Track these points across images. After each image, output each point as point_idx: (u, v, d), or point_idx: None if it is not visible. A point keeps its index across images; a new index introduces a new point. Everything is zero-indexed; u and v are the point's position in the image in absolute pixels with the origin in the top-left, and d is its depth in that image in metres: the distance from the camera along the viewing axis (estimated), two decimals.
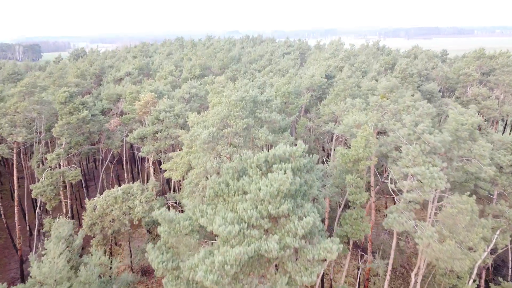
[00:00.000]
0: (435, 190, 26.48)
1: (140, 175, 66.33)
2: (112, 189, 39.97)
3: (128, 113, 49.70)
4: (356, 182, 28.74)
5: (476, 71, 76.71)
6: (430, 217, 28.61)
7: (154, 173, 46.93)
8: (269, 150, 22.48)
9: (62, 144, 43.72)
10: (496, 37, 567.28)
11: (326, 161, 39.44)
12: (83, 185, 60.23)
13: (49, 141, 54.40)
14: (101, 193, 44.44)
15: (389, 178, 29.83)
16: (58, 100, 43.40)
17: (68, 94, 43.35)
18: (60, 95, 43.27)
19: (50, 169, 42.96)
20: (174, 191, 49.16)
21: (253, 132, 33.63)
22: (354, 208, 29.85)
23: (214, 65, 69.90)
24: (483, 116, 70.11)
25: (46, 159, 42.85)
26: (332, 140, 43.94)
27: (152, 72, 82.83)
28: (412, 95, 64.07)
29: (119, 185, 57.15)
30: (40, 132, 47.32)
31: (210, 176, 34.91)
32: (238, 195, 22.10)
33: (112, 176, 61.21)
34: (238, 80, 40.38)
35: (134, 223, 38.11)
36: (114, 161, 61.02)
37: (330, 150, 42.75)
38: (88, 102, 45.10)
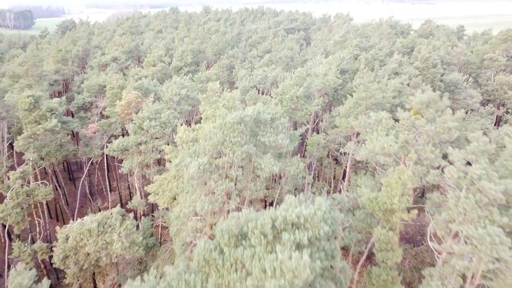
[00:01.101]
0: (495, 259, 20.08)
1: (119, 189, 59.91)
2: (86, 216, 33.68)
3: (109, 118, 42.47)
4: (387, 237, 22.27)
5: (503, 56, 68.65)
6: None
7: (140, 187, 40.56)
8: (277, 208, 16.36)
9: (30, 159, 36.97)
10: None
11: (341, 184, 32.86)
12: (63, 194, 53.91)
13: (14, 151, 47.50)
14: (80, 212, 38.21)
15: (429, 230, 23.32)
16: (21, 107, 36.20)
17: (32, 99, 36.03)
18: (22, 100, 35.99)
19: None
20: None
21: (255, 160, 26.81)
22: (382, 266, 23.56)
23: (209, 51, 61.79)
24: (505, 108, 62.96)
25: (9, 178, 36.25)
26: (347, 153, 37.17)
27: (142, 54, 74.62)
28: (434, 90, 56.70)
29: (103, 198, 51.16)
30: (2, 140, 40.46)
31: (200, 215, 28.54)
32: (236, 271, 16.31)
33: (93, 189, 54.54)
34: (235, 91, 33.35)
35: (113, 260, 32.05)
36: (97, 170, 54.42)
37: (346, 167, 36.04)
38: (58, 108, 37.80)
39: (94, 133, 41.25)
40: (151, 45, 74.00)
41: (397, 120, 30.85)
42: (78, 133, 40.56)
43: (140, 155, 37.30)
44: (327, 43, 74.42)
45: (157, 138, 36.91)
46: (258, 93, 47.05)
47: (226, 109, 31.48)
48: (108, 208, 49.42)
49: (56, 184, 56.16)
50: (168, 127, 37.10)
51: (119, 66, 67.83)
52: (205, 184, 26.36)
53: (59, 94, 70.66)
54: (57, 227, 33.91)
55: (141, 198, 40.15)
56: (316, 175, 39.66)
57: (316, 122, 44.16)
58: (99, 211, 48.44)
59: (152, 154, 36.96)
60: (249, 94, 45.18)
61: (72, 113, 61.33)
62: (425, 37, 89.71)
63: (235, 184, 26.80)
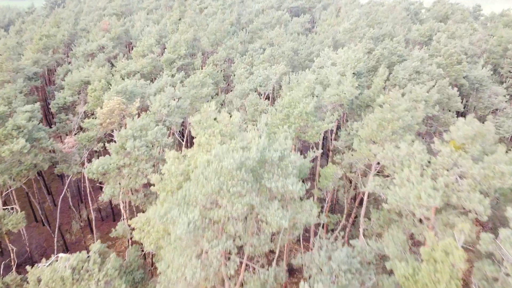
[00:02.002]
0: None
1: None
2: (60, 255, 28.81)
3: (87, 131, 36.80)
4: None
5: None
6: None
7: (126, 209, 35.54)
8: None
9: None
10: None
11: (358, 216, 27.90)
12: (48, 194, 49.05)
13: None
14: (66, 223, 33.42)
15: None
16: None
17: None
18: None
19: None
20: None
21: (259, 211, 21.58)
22: None
23: (205, 41, 55.22)
24: None
25: None
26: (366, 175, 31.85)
27: (133, 40, 67.81)
28: (457, 87, 50.76)
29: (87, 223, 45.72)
30: None
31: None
32: None
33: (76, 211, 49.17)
34: (233, 115, 27.66)
35: None
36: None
37: (364, 195, 30.77)
38: (27, 126, 32.09)
39: (71, 148, 35.77)
40: (143, 30, 67.10)
41: (431, 152, 25.45)
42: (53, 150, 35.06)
43: (124, 179, 32.01)
44: (335, 28, 67.57)
45: (143, 160, 31.52)
46: (260, 97, 41.26)
47: (223, 137, 26.04)
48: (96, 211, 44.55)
49: (43, 186, 51.44)
50: (155, 147, 31.66)
51: (106, 55, 61.39)
52: (197, 244, 21.26)
53: (38, 91, 64.50)
54: (28, 267, 29.11)
55: (128, 223, 35.17)
56: (329, 201, 34.50)
57: (328, 139, 38.57)
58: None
59: (138, 179, 31.68)
60: (249, 99, 39.44)
61: (52, 115, 55.53)
62: (441, 20, 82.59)
63: (234, 240, 21.70)
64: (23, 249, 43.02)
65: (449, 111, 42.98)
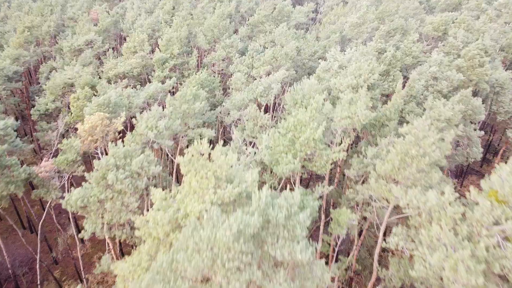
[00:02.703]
0: None
1: None
2: None
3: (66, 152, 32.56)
4: None
5: None
6: None
7: (112, 245, 31.94)
8: None
9: None
10: None
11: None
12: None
13: None
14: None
15: None
16: None
17: None
18: None
19: None
20: None
21: (261, 284, 17.82)
22: None
23: (201, 38, 50.21)
24: None
25: None
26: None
27: (124, 32, 62.64)
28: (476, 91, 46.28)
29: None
30: None
31: None
32: None
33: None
34: (230, 149, 23.70)
35: None
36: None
37: (384, 239, 26.91)
38: None
39: (48, 172, 31.73)
40: (134, 23, 61.84)
41: (465, 203, 21.51)
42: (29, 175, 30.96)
43: (107, 213, 28.17)
44: (342, 20, 62.41)
45: (127, 193, 27.56)
46: (260, 107, 36.98)
47: (217, 180, 22.02)
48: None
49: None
50: (141, 178, 27.66)
51: (95, 51, 56.49)
52: None
53: (21, 91, 59.78)
54: None
55: (114, 258, 31.64)
56: (339, 246, 30.63)
57: (337, 166, 34.47)
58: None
59: (122, 214, 27.85)
60: (248, 112, 35.17)
61: (33, 122, 51.23)
62: (454, 8, 77.01)
63: None
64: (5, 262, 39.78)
65: (471, 123, 38.82)
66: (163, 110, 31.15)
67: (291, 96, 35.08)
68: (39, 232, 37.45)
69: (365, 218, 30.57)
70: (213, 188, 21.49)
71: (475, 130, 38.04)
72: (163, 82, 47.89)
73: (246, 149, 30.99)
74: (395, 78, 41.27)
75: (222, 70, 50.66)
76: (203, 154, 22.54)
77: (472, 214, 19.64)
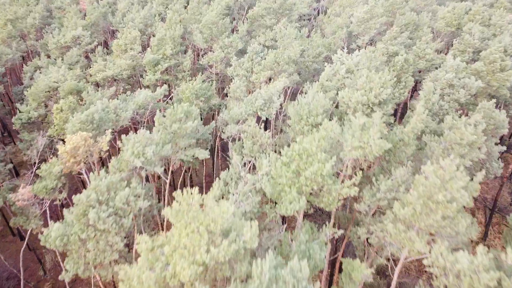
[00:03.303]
0: None
1: None
2: None
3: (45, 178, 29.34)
4: None
5: None
6: None
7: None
8: None
9: None
10: None
11: None
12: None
13: None
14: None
15: None
16: None
17: None
18: None
19: None
20: None
21: None
22: None
23: (198, 37, 46.11)
24: None
25: None
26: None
27: (115, 26, 58.35)
28: (498, 106, 42.68)
29: None
30: None
31: None
32: None
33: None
34: (228, 197, 20.43)
35: None
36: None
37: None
38: None
39: (26, 201, 28.67)
40: (125, 16, 57.49)
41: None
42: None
43: (89, 252, 25.28)
44: (348, 12, 58.10)
45: (111, 232, 24.57)
46: (259, 125, 33.66)
47: (211, 234, 18.99)
48: None
49: None
50: (127, 215, 24.62)
51: (83, 48, 52.50)
52: None
53: (3, 94, 56.11)
54: None
55: None
56: None
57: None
58: None
59: (106, 254, 24.94)
60: (247, 129, 31.88)
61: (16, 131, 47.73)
62: None
63: None
64: None
65: (492, 136, 35.49)
66: (151, 130, 27.72)
67: (296, 111, 31.66)
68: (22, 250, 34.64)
69: (380, 273, 27.67)
70: (206, 245, 18.48)
71: (496, 144, 34.80)
72: (155, 86, 44.39)
73: (245, 175, 27.86)
74: (406, 85, 37.72)
75: (220, 72, 46.97)
76: (195, 203, 19.44)
77: (510, 283, 16.70)
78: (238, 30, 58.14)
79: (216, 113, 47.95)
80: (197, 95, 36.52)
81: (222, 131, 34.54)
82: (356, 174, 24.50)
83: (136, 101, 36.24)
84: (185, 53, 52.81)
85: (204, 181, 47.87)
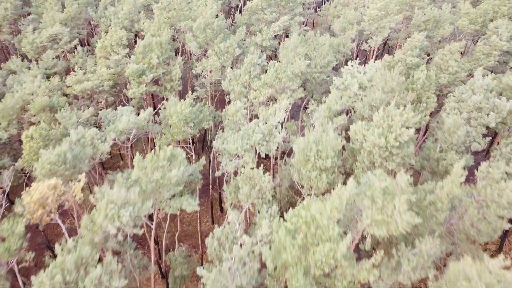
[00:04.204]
0: None
1: None
2: None
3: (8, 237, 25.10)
4: None
5: None
6: None
7: None
8: None
9: None
10: None
11: None
12: None
13: None
14: None
15: None
16: None
17: None
18: None
19: None
20: None
21: None
22: None
23: (191, 42, 40.23)
24: None
25: None
26: None
27: (96, 20, 52.23)
28: None
29: None
30: None
31: None
32: None
33: None
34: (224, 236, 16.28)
35: None
36: None
37: None
38: None
39: None
40: (107, 8, 51.13)
41: None
42: None
43: None
44: (358, 3, 51.92)
45: None
46: (258, 160, 29.14)
47: None
48: None
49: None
50: None
51: (61, 48, 46.85)
52: None
53: None
54: None
55: None
56: None
57: None
58: None
59: None
60: (244, 170, 27.40)
61: None
62: None
63: None
64: None
65: None
66: (131, 163, 23.19)
67: (302, 150, 26.99)
68: None
69: None
70: None
71: None
72: (139, 108, 39.46)
73: (242, 236, 23.74)
74: (428, 106, 32.81)
75: (215, 81, 41.78)
76: None
77: None
78: (234, 24, 52.30)
79: (211, 127, 43.24)
80: (186, 120, 31.73)
81: (216, 167, 30.05)
82: (375, 250, 20.31)
83: (116, 128, 31.49)
84: (175, 55, 47.37)
85: (199, 228, 42.34)
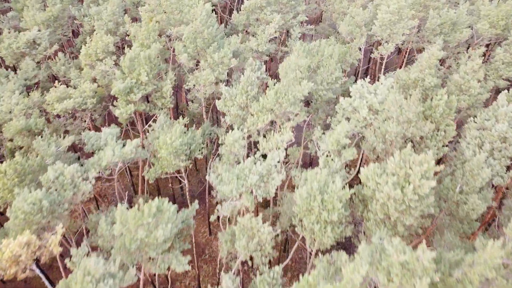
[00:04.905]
0: None
1: None
2: None
3: None
4: None
5: None
6: None
7: None
8: None
9: None
10: None
11: None
12: None
13: None
14: None
15: None
16: None
17: None
18: None
19: None
20: None
21: None
22: None
23: (181, 53, 36.10)
24: None
25: None
26: None
27: (79, 19, 47.77)
28: None
29: None
30: None
31: None
32: None
33: None
34: None
35: None
36: None
37: None
38: None
39: None
40: (89, 7, 46.62)
41: None
42: None
43: None
44: (369, 10, 47.25)
45: None
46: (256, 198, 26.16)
47: None
48: None
49: None
50: None
51: (41, 54, 42.86)
52: None
53: None
54: None
55: None
56: None
57: None
58: None
59: None
60: (242, 220, 24.38)
61: None
62: None
63: None
64: None
65: None
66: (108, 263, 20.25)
67: (306, 200, 23.84)
68: None
69: None
70: None
71: None
72: (128, 125, 36.00)
73: None
74: (446, 135, 29.41)
75: (210, 96, 38.12)
76: None
77: None
78: (227, 25, 47.87)
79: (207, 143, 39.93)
80: (177, 153, 28.48)
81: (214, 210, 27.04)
82: None
83: (98, 164, 28.27)
84: (167, 62, 43.41)
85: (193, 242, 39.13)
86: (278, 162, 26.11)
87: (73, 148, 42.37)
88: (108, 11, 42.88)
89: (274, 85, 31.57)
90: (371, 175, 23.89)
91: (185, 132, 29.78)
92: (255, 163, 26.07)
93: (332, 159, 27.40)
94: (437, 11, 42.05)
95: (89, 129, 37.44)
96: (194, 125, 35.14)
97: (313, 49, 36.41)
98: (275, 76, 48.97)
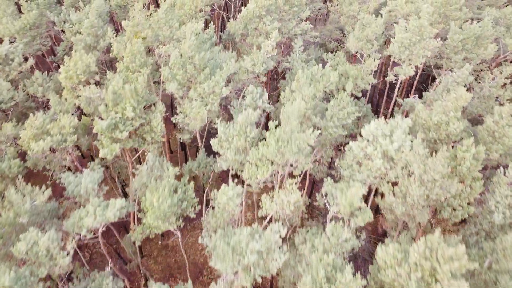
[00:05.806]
0: None
1: None
2: None
3: None
4: None
5: None
6: None
7: None
8: None
9: None
10: None
11: None
12: None
13: None
14: None
15: None
16: None
17: None
18: None
19: None
20: None
21: None
22: None
23: (169, 82, 31.54)
24: None
25: None
26: None
27: (59, 26, 42.60)
28: None
29: None
30: None
31: None
32: None
33: None
34: None
35: None
36: None
37: None
38: None
39: None
40: (68, 14, 41.37)
41: None
42: None
43: None
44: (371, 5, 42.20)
45: None
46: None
47: None
48: None
49: None
50: None
51: (15, 71, 38.24)
52: None
53: None
54: None
55: None
56: None
57: None
58: None
59: None
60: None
61: None
62: None
63: None
64: None
65: None
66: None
67: (311, 279, 20.73)
68: None
69: None
70: None
71: None
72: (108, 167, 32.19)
73: None
74: (472, 192, 25.85)
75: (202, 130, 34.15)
76: None
77: None
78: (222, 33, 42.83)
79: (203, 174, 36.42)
80: (165, 216, 25.07)
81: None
82: None
83: (80, 224, 24.92)
84: (157, 83, 39.06)
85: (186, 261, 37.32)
86: (280, 237, 22.75)
87: (54, 188, 38.29)
88: (86, 24, 37.91)
89: (276, 127, 27.67)
90: (390, 261, 20.59)
91: (175, 190, 26.17)
92: (253, 236, 22.74)
93: (341, 226, 24.07)
94: (459, 23, 37.20)
95: (69, 169, 33.82)
96: (190, 158, 31.47)
97: (316, 74, 32.02)
98: (275, 98, 44.54)
